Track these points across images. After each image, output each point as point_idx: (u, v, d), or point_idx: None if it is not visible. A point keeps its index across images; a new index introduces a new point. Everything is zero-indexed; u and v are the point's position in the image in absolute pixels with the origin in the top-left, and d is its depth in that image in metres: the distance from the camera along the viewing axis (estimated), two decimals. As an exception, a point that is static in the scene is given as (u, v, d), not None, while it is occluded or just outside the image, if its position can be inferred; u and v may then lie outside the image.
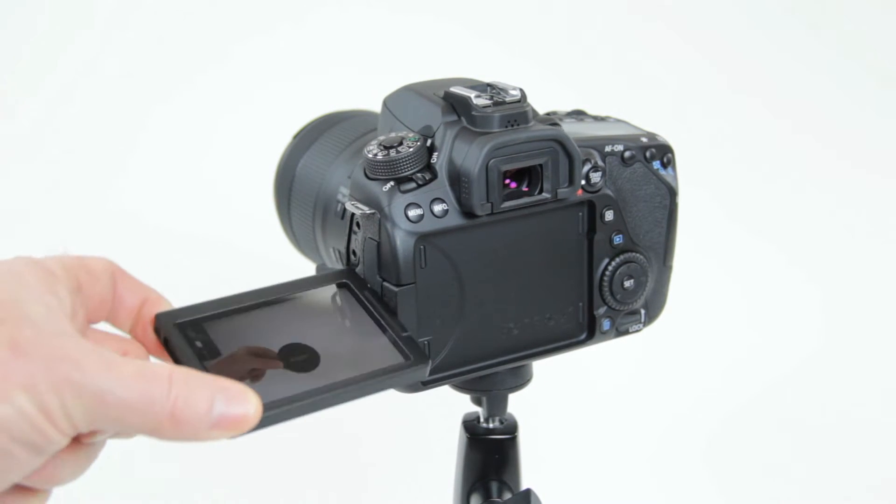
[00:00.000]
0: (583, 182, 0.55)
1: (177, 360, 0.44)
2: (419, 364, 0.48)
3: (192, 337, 0.44)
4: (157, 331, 0.44)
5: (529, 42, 1.31)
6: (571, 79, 1.28)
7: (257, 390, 0.40)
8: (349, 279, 0.51)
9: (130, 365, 0.38)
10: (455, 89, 0.53)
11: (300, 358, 0.46)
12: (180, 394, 0.38)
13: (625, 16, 1.35)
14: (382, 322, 0.50)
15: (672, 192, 0.60)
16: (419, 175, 0.51)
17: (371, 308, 0.50)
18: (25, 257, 0.41)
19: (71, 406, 0.37)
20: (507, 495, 0.62)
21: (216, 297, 0.46)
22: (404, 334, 0.50)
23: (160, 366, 0.39)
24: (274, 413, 0.42)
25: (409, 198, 0.51)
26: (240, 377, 0.42)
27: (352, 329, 0.49)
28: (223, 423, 0.39)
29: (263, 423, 0.41)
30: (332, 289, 0.50)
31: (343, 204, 0.58)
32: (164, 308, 0.45)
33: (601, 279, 0.57)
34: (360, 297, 0.50)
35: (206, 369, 0.43)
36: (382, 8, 1.29)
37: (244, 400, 0.39)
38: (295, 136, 0.71)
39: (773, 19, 1.37)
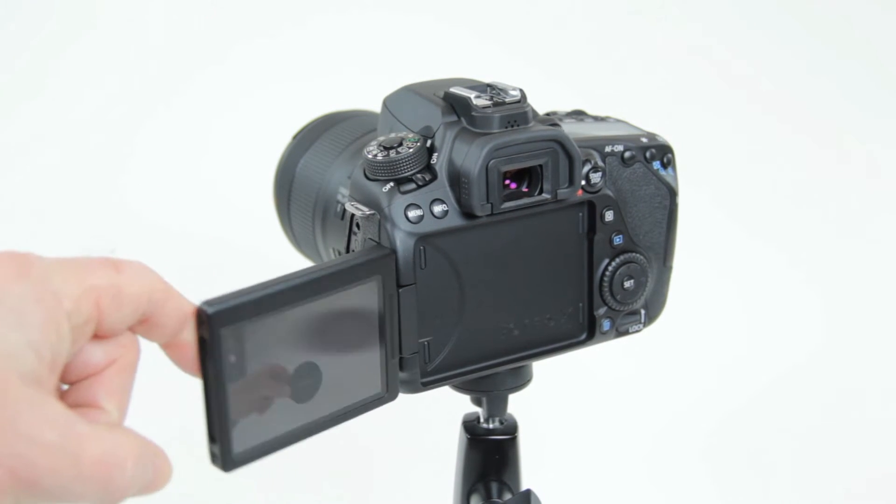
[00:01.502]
0: (583, 182, 0.55)
1: (204, 375, 0.42)
2: (389, 400, 0.51)
3: (229, 349, 0.42)
4: (198, 323, 0.42)
5: (529, 42, 1.31)
6: (571, 79, 1.28)
7: (257, 424, 0.44)
8: (383, 273, 0.50)
9: (96, 447, 0.36)
10: (455, 90, 0.53)
11: (306, 383, 0.47)
12: (133, 484, 0.37)
13: (625, 16, 1.35)
14: (385, 338, 0.50)
15: (672, 193, 0.60)
16: (419, 176, 0.51)
17: (383, 316, 0.50)
18: (40, 284, 0.36)
19: (23, 501, 0.35)
20: (508, 496, 0.62)
21: (265, 284, 0.45)
22: (393, 360, 0.51)
23: (125, 444, 0.37)
24: (259, 453, 0.45)
25: (408, 198, 0.51)
26: (251, 407, 0.44)
27: (358, 344, 0.49)
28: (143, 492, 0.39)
29: (245, 462, 0.44)
30: (364, 286, 0.49)
31: (343, 204, 0.58)
32: None
33: (601, 279, 0.57)
34: (382, 298, 0.50)
35: (227, 392, 0.43)
36: (382, 8, 1.29)
37: (164, 480, 0.39)
38: (295, 137, 0.71)
39: (774, 19, 1.37)
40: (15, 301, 0.35)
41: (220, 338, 0.42)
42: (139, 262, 0.40)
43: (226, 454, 0.43)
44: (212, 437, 0.43)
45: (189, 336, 0.41)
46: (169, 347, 0.41)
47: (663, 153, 0.59)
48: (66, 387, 0.39)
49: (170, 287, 0.40)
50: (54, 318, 0.36)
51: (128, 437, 0.37)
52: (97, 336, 0.38)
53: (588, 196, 0.56)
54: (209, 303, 0.42)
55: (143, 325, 0.40)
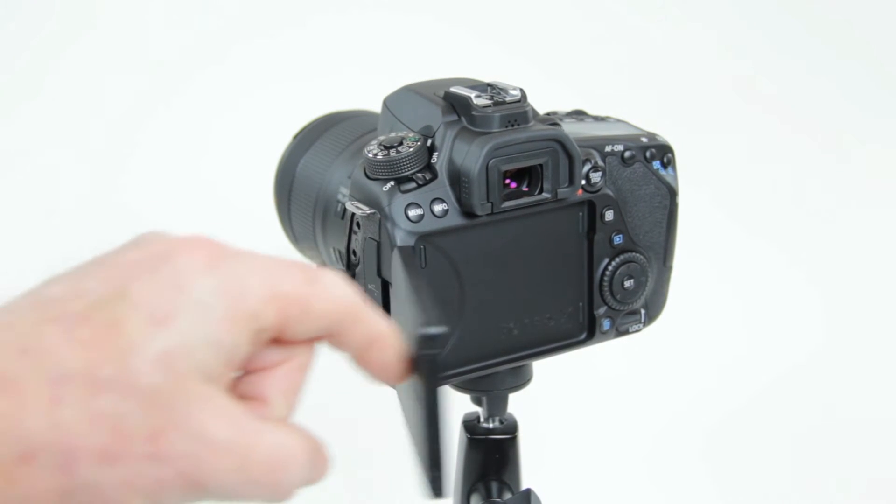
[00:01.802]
0: (583, 182, 0.55)
1: (429, 404, 0.39)
2: None
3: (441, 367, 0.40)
4: (421, 355, 0.39)
5: (529, 42, 1.31)
6: (571, 79, 1.28)
7: None
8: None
9: (268, 445, 0.34)
10: (455, 89, 0.53)
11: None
12: (299, 481, 0.36)
13: (625, 16, 1.35)
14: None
15: (672, 193, 0.60)
16: (419, 175, 0.51)
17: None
18: (229, 279, 0.34)
19: (189, 502, 0.34)
20: (508, 495, 0.62)
21: (420, 299, 0.42)
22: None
23: (294, 442, 0.35)
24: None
25: (409, 198, 0.51)
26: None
27: None
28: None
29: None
30: None
31: (343, 204, 0.58)
32: (393, 349, 0.39)
33: (601, 279, 0.57)
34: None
35: (442, 418, 0.40)
36: (382, 8, 1.29)
37: (324, 473, 0.38)
38: (295, 137, 0.71)
39: (774, 19, 1.38)
40: (201, 293, 0.34)
41: (439, 360, 0.39)
42: (338, 275, 0.38)
43: (445, 479, 0.40)
44: (435, 465, 0.39)
45: (381, 356, 0.38)
46: (356, 359, 0.39)
47: (663, 153, 0.59)
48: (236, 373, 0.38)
49: (363, 308, 0.38)
50: (237, 317, 0.34)
51: (297, 434, 0.36)
52: (275, 341, 0.37)
53: (588, 196, 0.56)
54: (428, 331, 0.38)
55: (327, 337, 0.38)
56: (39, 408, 0.31)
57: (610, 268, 0.57)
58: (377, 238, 0.51)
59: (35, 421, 0.31)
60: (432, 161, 0.52)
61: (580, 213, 0.56)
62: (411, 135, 0.53)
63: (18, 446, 0.30)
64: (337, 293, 0.37)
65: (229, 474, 0.33)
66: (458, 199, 0.51)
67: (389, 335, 0.38)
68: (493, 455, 0.63)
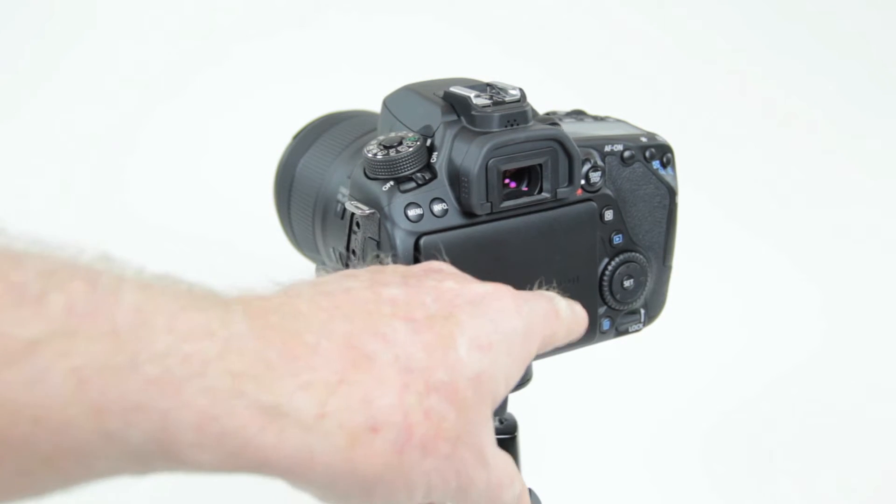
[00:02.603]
0: (582, 182, 0.55)
1: None
2: None
3: None
4: None
5: (529, 42, 1.31)
6: (571, 79, 1.28)
7: None
8: None
9: (503, 467, 0.41)
10: (455, 89, 0.53)
11: None
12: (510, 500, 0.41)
13: (625, 16, 1.35)
14: None
15: (672, 192, 0.60)
16: (419, 175, 0.51)
17: None
18: (527, 325, 0.41)
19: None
20: (507, 495, 0.62)
21: None
22: None
23: (511, 465, 0.42)
24: None
25: (408, 197, 0.51)
26: None
27: None
28: None
29: None
30: None
31: (343, 204, 0.58)
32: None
33: (601, 279, 0.57)
34: None
35: None
36: (382, 8, 1.29)
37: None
38: (295, 137, 0.71)
39: (773, 19, 1.38)
40: (509, 335, 0.40)
41: None
42: (576, 308, 0.46)
43: None
44: None
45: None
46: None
47: (663, 152, 0.59)
48: None
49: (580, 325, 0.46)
50: (525, 358, 0.41)
51: (509, 460, 0.42)
52: None
53: (587, 195, 0.56)
54: None
55: None
56: (391, 389, 0.35)
57: (609, 268, 0.57)
58: (377, 238, 0.51)
59: (388, 400, 0.35)
60: (432, 161, 0.52)
61: (580, 213, 0.56)
62: (411, 135, 0.53)
63: (371, 417, 0.34)
64: (574, 328, 0.45)
65: (480, 484, 0.39)
66: (458, 199, 0.51)
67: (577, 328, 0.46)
68: (492, 455, 0.63)
